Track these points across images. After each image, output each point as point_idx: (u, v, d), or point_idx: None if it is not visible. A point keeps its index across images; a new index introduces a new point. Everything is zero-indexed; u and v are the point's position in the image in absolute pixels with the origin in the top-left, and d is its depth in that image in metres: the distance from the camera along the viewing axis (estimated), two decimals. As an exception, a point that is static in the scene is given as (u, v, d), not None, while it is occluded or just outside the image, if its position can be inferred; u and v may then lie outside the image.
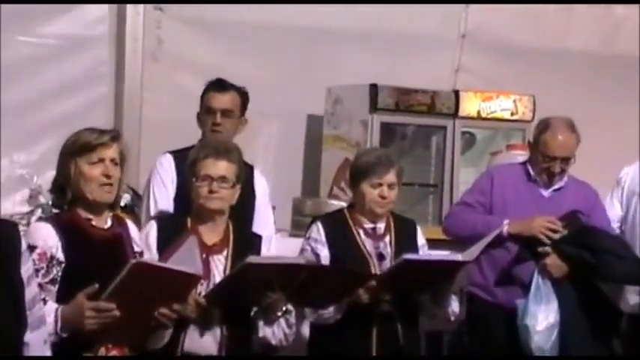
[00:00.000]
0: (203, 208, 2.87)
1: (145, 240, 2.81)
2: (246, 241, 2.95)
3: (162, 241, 2.79)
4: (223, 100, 3.45)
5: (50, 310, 2.42)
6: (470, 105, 4.91)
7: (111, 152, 2.57)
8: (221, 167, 2.85)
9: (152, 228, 2.86)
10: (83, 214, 2.57)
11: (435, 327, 3.81)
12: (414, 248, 3.25)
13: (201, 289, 2.79)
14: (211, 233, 2.88)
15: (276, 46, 4.88)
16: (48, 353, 2.29)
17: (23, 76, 4.36)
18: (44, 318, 2.32)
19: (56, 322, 2.42)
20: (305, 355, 3.23)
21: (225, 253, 2.87)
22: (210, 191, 2.83)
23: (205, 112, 3.47)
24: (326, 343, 3.14)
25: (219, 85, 3.49)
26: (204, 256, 2.83)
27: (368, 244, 3.18)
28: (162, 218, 3.05)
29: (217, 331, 2.80)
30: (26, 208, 4.07)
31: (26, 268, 2.23)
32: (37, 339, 2.24)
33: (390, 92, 4.75)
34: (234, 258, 2.83)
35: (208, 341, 2.80)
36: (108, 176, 2.54)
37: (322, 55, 4.98)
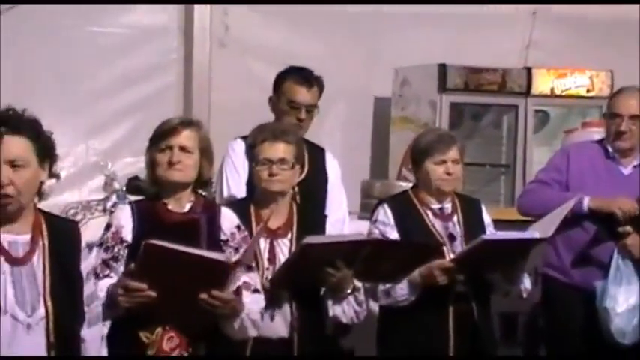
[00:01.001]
0: (265, 191, 2.88)
1: None
2: (311, 223, 2.94)
3: None
4: (309, 96, 3.39)
5: (104, 285, 2.47)
6: (543, 82, 4.80)
7: (180, 139, 2.59)
8: (279, 149, 2.85)
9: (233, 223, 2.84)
10: (163, 198, 2.62)
11: (509, 308, 3.74)
12: (482, 227, 3.19)
13: (267, 273, 2.79)
14: (275, 217, 2.87)
15: (343, 28, 4.86)
16: (104, 350, 2.34)
17: (97, 66, 4.46)
18: (99, 315, 2.34)
19: (106, 297, 2.46)
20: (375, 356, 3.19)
21: (289, 236, 2.87)
22: (270, 174, 2.83)
23: (288, 104, 3.39)
24: (401, 325, 3.11)
25: (306, 79, 3.40)
26: (268, 240, 2.83)
27: (438, 225, 3.13)
28: (225, 205, 3.07)
29: (287, 313, 2.81)
30: (101, 195, 4.16)
31: (85, 265, 2.28)
32: (94, 335, 2.28)
33: (459, 71, 4.68)
34: (299, 241, 2.81)
35: (279, 324, 2.80)
36: (171, 163, 2.57)
37: (389, 36, 4.93)
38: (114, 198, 4.02)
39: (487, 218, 3.26)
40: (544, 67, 4.84)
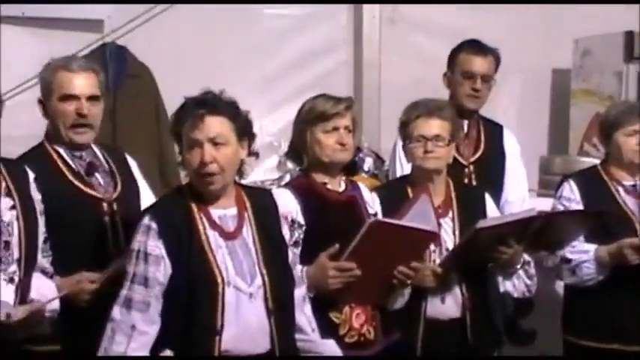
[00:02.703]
0: (420, 169, 2.82)
1: None
2: (470, 198, 2.87)
3: (386, 208, 2.77)
4: (484, 65, 3.34)
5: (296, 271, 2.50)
6: None
7: (345, 121, 2.62)
8: (434, 126, 2.78)
9: (375, 200, 2.84)
10: (319, 178, 2.63)
11: None
12: (686, 205, 2.96)
13: (434, 256, 2.75)
14: (433, 195, 2.80)
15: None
16: (307, 308, 2.40)
17: (268, 48, 4.54)
18: (301, 278, 2.44)
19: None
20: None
21: (450, 214, 2.81)
22: (426, 151, 2.77)
23: (462, 75, 3.35)
24: (588, 307, 2.97)
25: (480, 48, 3.36)
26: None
27: (630, 202, 2.95)
28: (378, 188, 3.04)
29: (458, 294, 2.76)
30: (276, 175, 4.25)
31: (284, 231, 2.38)
32: (299, 297, 2.37)
33: (648, 39, 4.37)
34: (462, 218, 2.78)
35: (450, 306, 2.77)
36: (342, 144, 2.60)
37: (567, 6, 4.67)
38: (287, 177, 4.09)
39: None
40: None
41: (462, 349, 2.75)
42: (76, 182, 2.61)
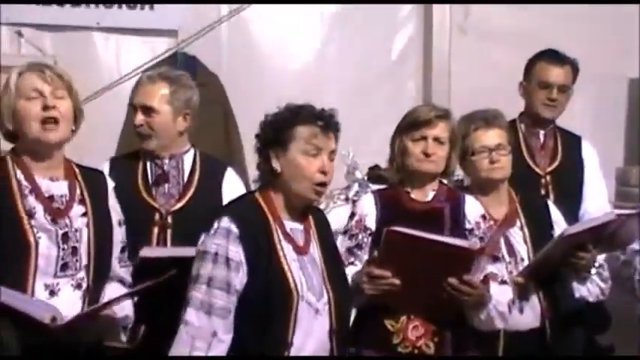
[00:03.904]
0: (486, 181, 2.76)
1: None
2: (535, 206, 2.82)
3: None
4: (561, 75, 3.29)
5: (350, 272, 2.48)
6: None
7: (435, 131, 2.56)
8: (495, 135, 2.74)
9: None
10: (406, 187, 2.61)
11: None
12: None
13: (510, 267, 2.70)
14: (498, 206, 2.76)
15: (589, 9, 4.54)
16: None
17: (338, 56, 4.53)
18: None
19: (352, 285, 2.46)
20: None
21: (518, 223, 2.76)
22: (492, 161, 2.71)
23: (538, 85, 3.30)
24: None
25: (557, 58, 3.31)
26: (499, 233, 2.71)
27: None
28: None
29: (536, 303, 2.71)
30: (343, 184, 4.23)
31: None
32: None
33: None
34: (530, 227, 2.73)
35: (529, 316, 2.72)
36: (427, 154, 2.55)
37: (643, 12, 4.54)
38: (355, 187, 4.07)
39: None
40: None
41: (541, 355, 2.71)
42: (141, 189, 2.65)
